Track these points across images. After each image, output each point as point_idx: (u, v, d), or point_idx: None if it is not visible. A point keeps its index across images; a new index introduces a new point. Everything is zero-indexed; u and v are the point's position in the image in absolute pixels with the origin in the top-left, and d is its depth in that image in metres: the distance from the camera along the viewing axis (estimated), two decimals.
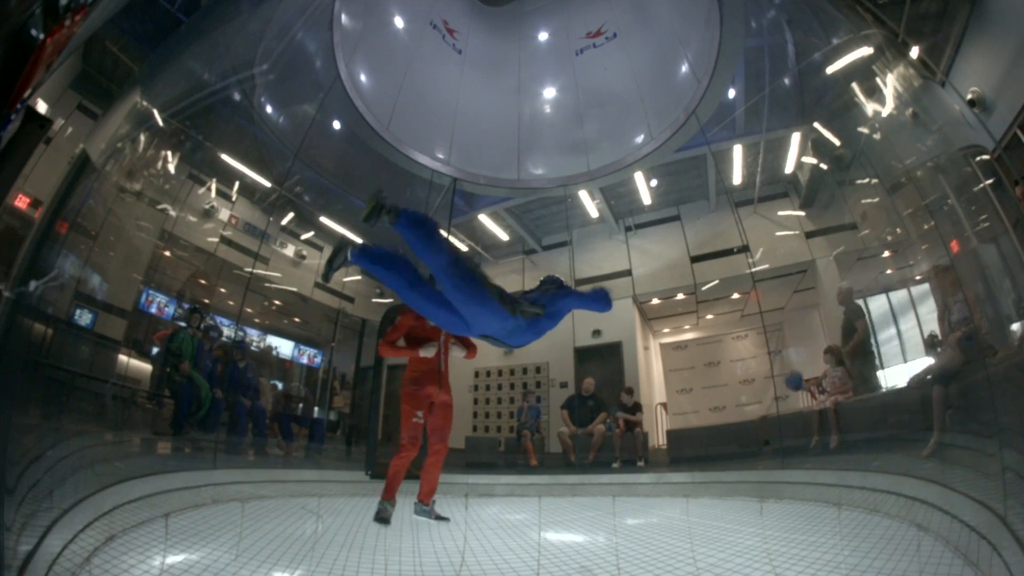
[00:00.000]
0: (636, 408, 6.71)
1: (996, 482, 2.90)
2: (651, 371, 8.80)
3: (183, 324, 5.64)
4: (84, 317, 4.33)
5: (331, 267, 2.78)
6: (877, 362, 5.51)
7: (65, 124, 3.89)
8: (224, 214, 6.64)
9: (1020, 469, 2.79)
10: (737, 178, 7.52)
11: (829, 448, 5.14)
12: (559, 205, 8.38)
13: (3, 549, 2.34)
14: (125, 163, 4.66)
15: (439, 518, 3.62)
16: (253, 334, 7.75)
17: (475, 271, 2.55)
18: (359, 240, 2.89)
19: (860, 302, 6.16)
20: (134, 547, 3.04)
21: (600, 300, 2.98)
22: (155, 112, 4.66)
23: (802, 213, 7.14)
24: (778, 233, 7.27)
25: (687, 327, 9.19)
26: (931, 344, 4.55)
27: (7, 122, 1.97)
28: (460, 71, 7.50)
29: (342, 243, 2.80)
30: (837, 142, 6.18)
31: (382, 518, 3.37)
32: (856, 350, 5.55)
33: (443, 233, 2.61)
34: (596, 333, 8.19)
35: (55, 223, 3.54)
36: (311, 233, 8.16)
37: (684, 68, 6.72)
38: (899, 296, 5.72)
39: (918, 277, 5.22)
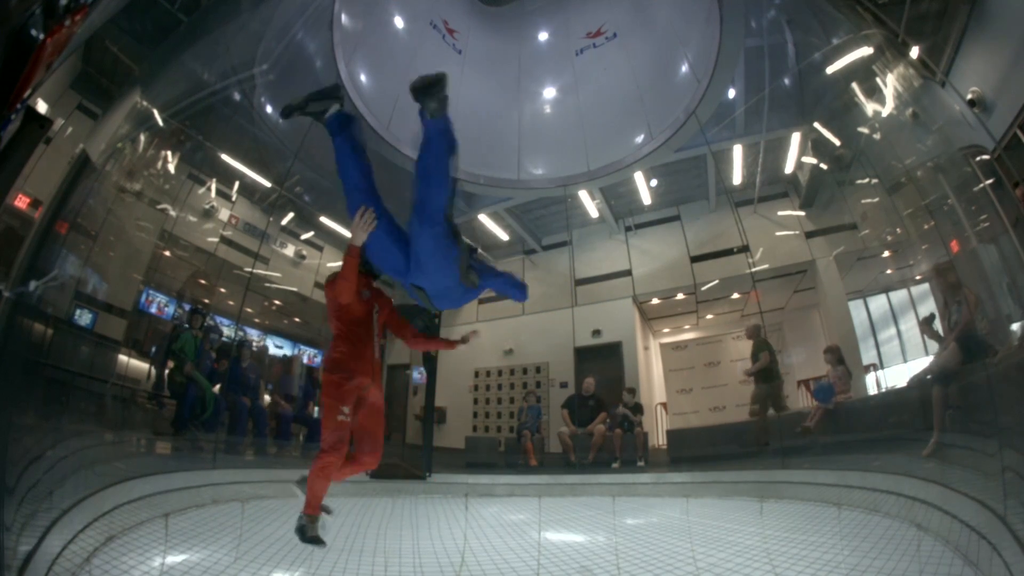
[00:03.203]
0: (637, 409, 6.70)
1: (996, 482, 2.90)
2: (651, 371, 8.80)
3: (185, 325, 5.64)
4: (84, 317, 4.33)
5: (301, 108, 2.44)
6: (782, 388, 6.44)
7: (65, 124, 3.89)
8: (224, 214, 6.64)
9: (1020, 469, 2.79)
10: (737, 178, 7.52)
11: (805, 437, 5.15)
12: (559, 205, 8.37)
13: (3, 549, 2.34)
14: (125, 163, 4.66)
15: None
16: (253, 334, 7.75)
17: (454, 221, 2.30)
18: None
19: (857, 301, 6.19)
20: (134, 547, 3.04)
21: (519, 287, 2.77)
22: (155, 112, 4.66)
23: (802, 213, 7.14)
24: (778, 233, 7.26)
25: (687, 327, 9.19)
26: (928, 323, 4.53)
27: (7, 122, 1.97)
28: (460, 71, 7.49)
29: (335, 94, 2.47)
30: (837, 142, 6.18)
31: (311, 537, 2.62)
32: (759, 376, 6.43)
33: None
34: (596, 333, 8.19)
35: (55, 223, 3.54)
36: (311, 233, 8.16)
37: (684, 68, 6.72)
38: (899, 296, 5.73)
39: (918, 277, 5.22)
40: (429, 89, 2.08)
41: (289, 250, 7.86)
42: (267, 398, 6.62)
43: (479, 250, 2.72)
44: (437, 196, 2.16)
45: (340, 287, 2.49)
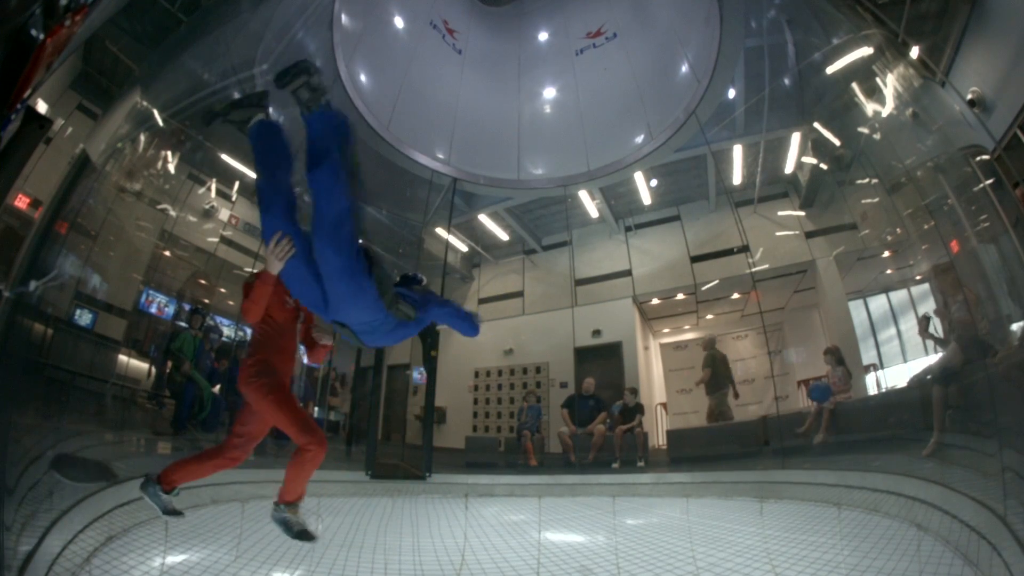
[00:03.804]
0: (637, 409, 6.70)
1: (996, 482, 2.90)
2: (651, 371, 8.79)
3: (184, 325, 5.64)
4: (84, 317, 4.33)
5: (224, 115, 2.23)
6: (731, 397, 6.97)
7: (65, 124, 3.89)
8: (224, 214, 6.64)
9: (1020, 469, 2.79)
10: (737, 178, 7.52)
11: (814, 445, 5.16)
12: (559, 205, 8.37)
13: (3, 549, 2.35)
14: (125, 163, 4.66)
15: (304, 535, 2.55)
16: None
17: (369, 243, 2.04)
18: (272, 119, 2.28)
19: (857, 301, 6.19)
20: (134, 547, 3.05)
21: (468, 321, 2.49)
22: (155, 112, 4.66)
23: (802, 213, 7.14)
24: (778, 233, 7.26)
25: (687, 327, 9.19)
26: (925, 325, 4.54)
27: (7, 122, 1.96)
28: (460, 71, 7.49)
29: (259, 102, 2.21)
30: (837, 142, 6.18)
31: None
32: (707, 387, 6.94)
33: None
34: (596, 333, 8.19)
35: (55, 223, 3.54)
36: None
37: (684, 68, 6.72)
38: (899, 296, 5.73)
39: (918, 277, 5.22)
40: (287, 75, 1.86)
41: None
42: None
43: (424, 280, 2.49)
44: (332, 206, 1.86)
45: (244, 308, 2.37)
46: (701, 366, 7.18)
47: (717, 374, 6.95)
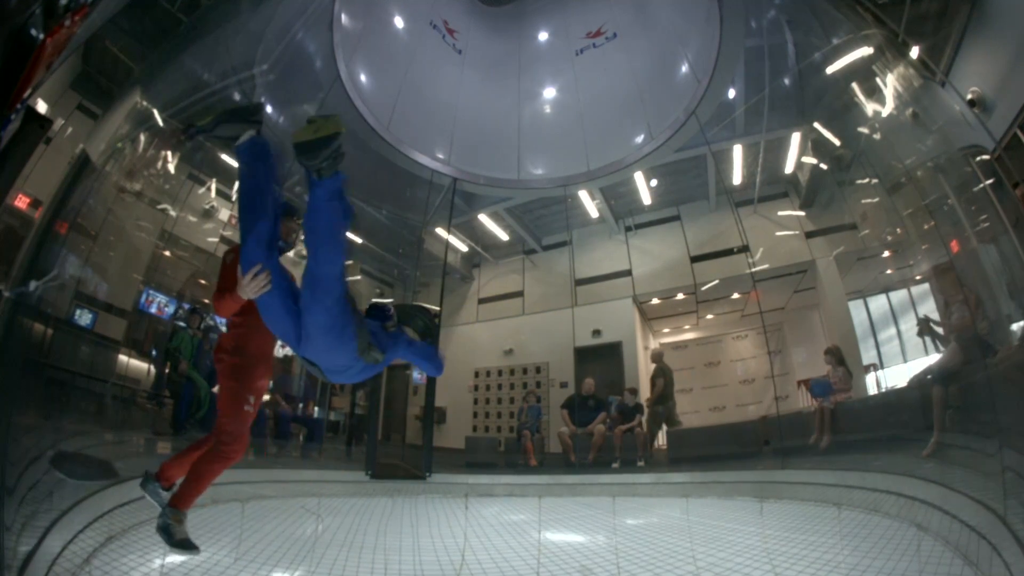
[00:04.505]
0: (637, 409, 6.71)
1: (996, 482, 2.90)
2: (651, 371, 8.80)
3: (183, 324, 5.64)
4: (84, 317, 4.33)
5: (207, 130, 2.05)
6: (675, 408, 7.16)
7: (65, 124, 3.89)
8: (224, 214, 6.64)
9: (1020, 469, 2.80)
10: (737, 178, 7.52)
11: (819, 449, 5.16)
12: (559, 205, 8.37)
13: (3, 549, 2.35)
14: (125, 163, 4.66)
15: (184, 544, 2.37)
16: None
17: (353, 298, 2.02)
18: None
19: (857, 301, 6.18)
20: (134, 547, 3.05)
21: (433, 362, 2.46)
22: (155, 112, 4.66)
23: (802, 213, 7.15)
24: (778, 233, 7.27)
25: (687, 327, 9.19)
26: (925, 326, 4.56)
27: (7, 122, 1.97)
28: (460, 71, 7.50)
29: (253, 116, 2.07)
30: (837, 142, 6.19)
31: (181, 541, 2.35)
32: (657, 398, 7.03)
33: None
34: (596, 333, 8.20)
35: (55, 223, 3.54)
36: None
37: (684, 68, 6.72)
38: (899, 296, 5.73)
39: (918, 277, 5.22)
40: (318, 148, 1.68)
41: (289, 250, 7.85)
42: (266, 397, 6.63)
43: (391, 311, 2.35)
44: (331, 266, 1.86)
45: (215, 305, 2.32)
46: (651, 377, 7.33)
47: (668, 384, 7.12)
